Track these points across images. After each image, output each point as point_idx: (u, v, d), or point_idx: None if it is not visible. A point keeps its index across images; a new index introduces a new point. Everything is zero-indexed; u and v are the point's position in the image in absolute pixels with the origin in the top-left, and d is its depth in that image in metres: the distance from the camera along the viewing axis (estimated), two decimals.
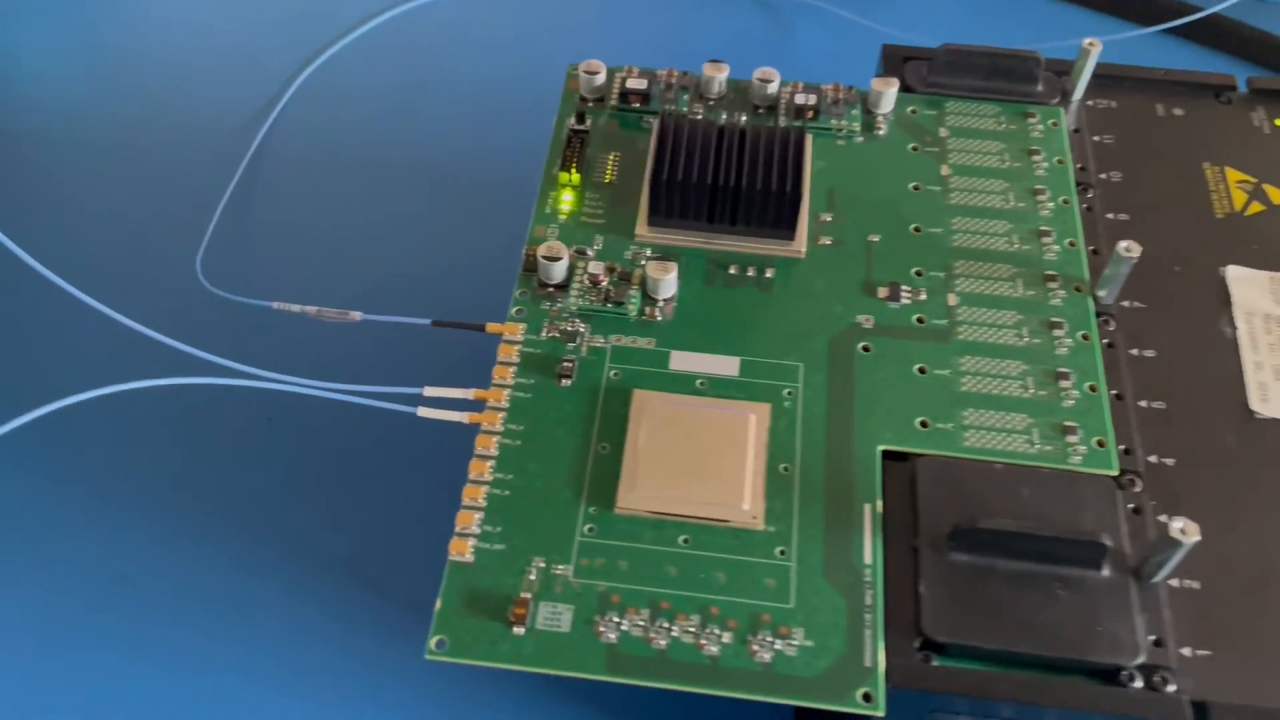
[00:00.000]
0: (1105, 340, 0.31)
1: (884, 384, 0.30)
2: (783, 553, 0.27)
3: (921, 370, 0.30)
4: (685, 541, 0.27)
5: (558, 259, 0.31)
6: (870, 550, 0.27)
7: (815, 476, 0.28)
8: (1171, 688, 0.25)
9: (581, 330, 0.31)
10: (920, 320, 0.31)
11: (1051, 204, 0.33)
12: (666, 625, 0.26)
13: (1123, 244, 0.30)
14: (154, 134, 0.47)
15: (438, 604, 0.26)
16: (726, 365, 0.30)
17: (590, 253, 0.32)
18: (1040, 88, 0.36)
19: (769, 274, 0.32)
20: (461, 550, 0.27)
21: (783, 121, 0.35)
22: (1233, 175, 0.35)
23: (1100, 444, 0.28)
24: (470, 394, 0.29)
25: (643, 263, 0.32)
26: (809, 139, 0.34)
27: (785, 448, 0.28)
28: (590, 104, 0.36)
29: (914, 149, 0.35)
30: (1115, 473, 0.28)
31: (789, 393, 0.29)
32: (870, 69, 0.39)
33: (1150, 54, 0.50)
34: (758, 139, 0.32)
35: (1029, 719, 0.26)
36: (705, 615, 0.26)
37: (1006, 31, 0.51)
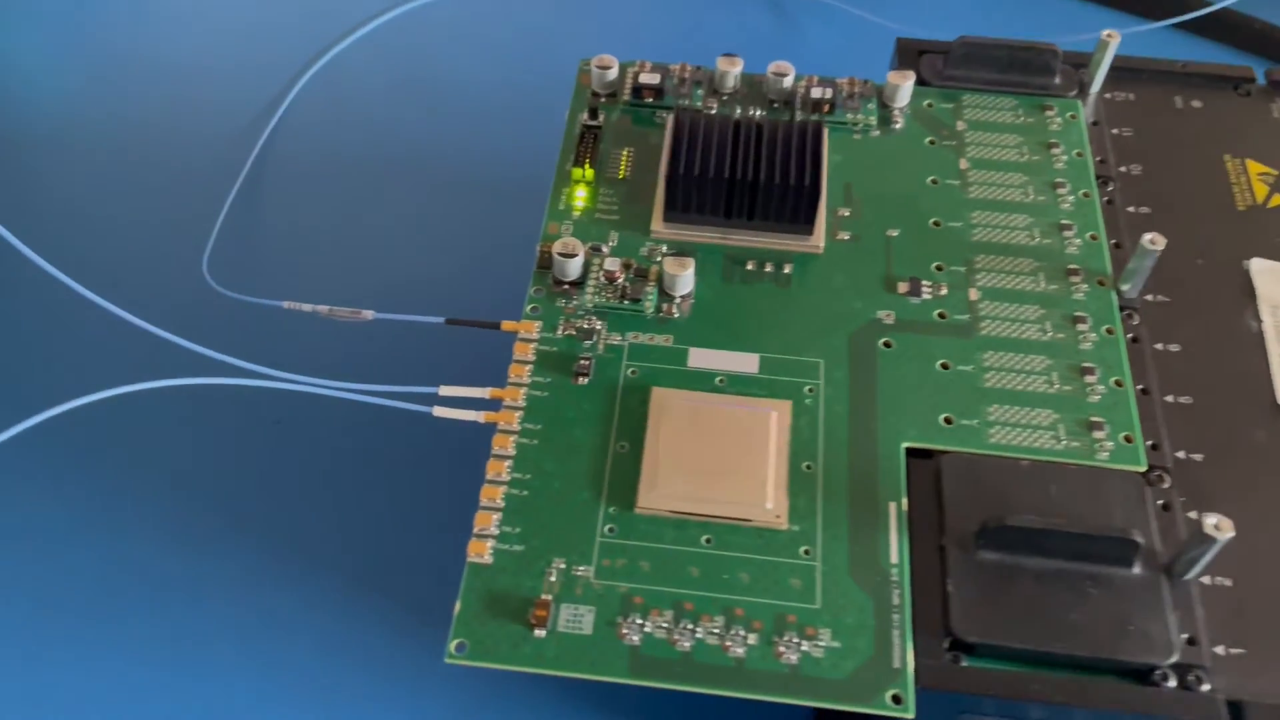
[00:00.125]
0: (1130, 335, 0.30)
1: (907, 380, 0.29)
2: (807, 552, 0.26)
3: (944, 366, 0.29)
4: (708, 541, 0.27)
5: (573, 255, 0.30)
6: (896, 549, 0.26)
7: (839, 474, 0.27)
8: (1206, 687, 0.25)
9: (598, 327, 0.30)
10: (942, 315, 0.30)
11: (1072, 197, 0.33)
12: (690, 626, 0.25)
13: (1147, 236, 0.30)
14: (158, 135, 0.47)
15: (457, 606, 0.25)
16: (746, 362, 0.29)
17: (605, 249, 0.32)
18: (1058, 80, 0.36)
19: (787, 270, 0.31)
20: (480, 551, 0.26)
21: (798, 116, 0.35)
22: (1254, 168, 0.34)
23: (1127, 440, 0.28)
24: (486, 393, 0.29)
25: (659, 259, 0.31)
26: (825, 132, 0.33)
27: (807, 445, 0.28)
28: (603, 99, 0.36)
29: (931, 143, 0.34)
30: (1143, 469, 0.28)
31: (810, 390, 0.29)
32: (879, 65, 0.38)
33: (1159, 49, 0.49)
34: (775, 132, 0.32)
35: (1053, 719, 0.26)
36: (730, 616, 0.25)
37: (1014, 27, 0.50)
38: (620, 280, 0.31)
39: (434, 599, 0.33)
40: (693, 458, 0.27)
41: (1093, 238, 0.32)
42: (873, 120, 0.35)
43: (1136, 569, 0.26)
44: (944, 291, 0.31)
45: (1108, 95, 0.36)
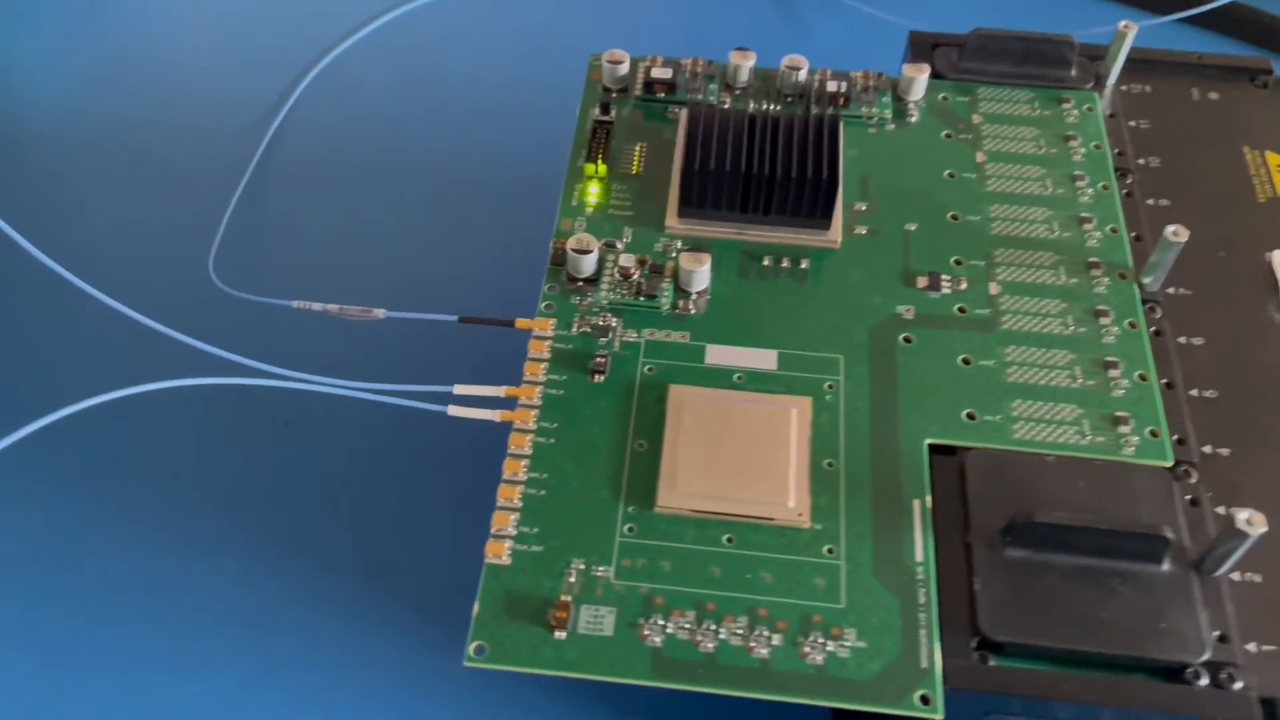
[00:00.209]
0: (1153, 328, 0.30)
1: (928, 376, 0.29)
2: (830, 551, 0.26)
3: (965, 361, 0.29)
4: (729, 541, 0.26)
5: (587, 252, 0.30)
6: (921, 547, 0.26)
7: (861, 472, 0.27)
8: (1238, 684, 0.24)
9: (613, 324, 0.30)
10: (962, 310, 0.30)
11: (1091, 190, 0.32)
12: (713, 627, 0.25)
13: (1170, 228, 0.29)
14: (162, 135, 0.47)
15: (475, 608, 0.25)
16: (764, 359, 0.29)
17: (619, 245, 0.31)
18: (1074, 73, 0.35)
19: (804, 265, 0.31)
20: (498, 552, 0.26)
21: (813, 109, 0.34)
22: (1273, 159, 0.34)
23: (1153, 434, 0.28)
24: (502, 391, 0.28)
25: (674, 255, 0.31)
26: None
27: (829, 442, 0.27)
28: (614, 94, 0.35)
29: (947, 136, 0.34)
30: (1170, 464, 0.27)
31: (830, 386, 0.28)
32: (885, 61, 0.38)
33: (1167, 43, 0.49)
34: (791, 126, 0.31)
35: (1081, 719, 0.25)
36: (753, 616, 0.25)
37: (1018, 23, 0.50)
38: (635, 276, 0.30)
39: (447, 601, 0.32)
40: (712, 456, 0.27)
41: (1113, 231, 0.32)
42: (888, 114, 0.34)
43: (1166, 565, 0.25)
44: (964, 286, 0.30)
45: (1124, 87, 0.36)
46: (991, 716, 0.25)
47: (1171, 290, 0.31)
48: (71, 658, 0.32)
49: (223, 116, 0.47)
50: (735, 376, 0.29)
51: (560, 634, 0.25)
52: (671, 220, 0.32)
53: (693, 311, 0.30)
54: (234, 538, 0.34)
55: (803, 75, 0.35)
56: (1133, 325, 0.30)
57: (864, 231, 0.32)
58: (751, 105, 0.35)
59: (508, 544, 0.26)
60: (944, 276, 0.30)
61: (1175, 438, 0.28)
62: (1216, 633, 0.25)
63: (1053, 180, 0.33)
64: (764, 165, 0.30)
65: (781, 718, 0.28)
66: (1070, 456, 0.27)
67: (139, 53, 0.51)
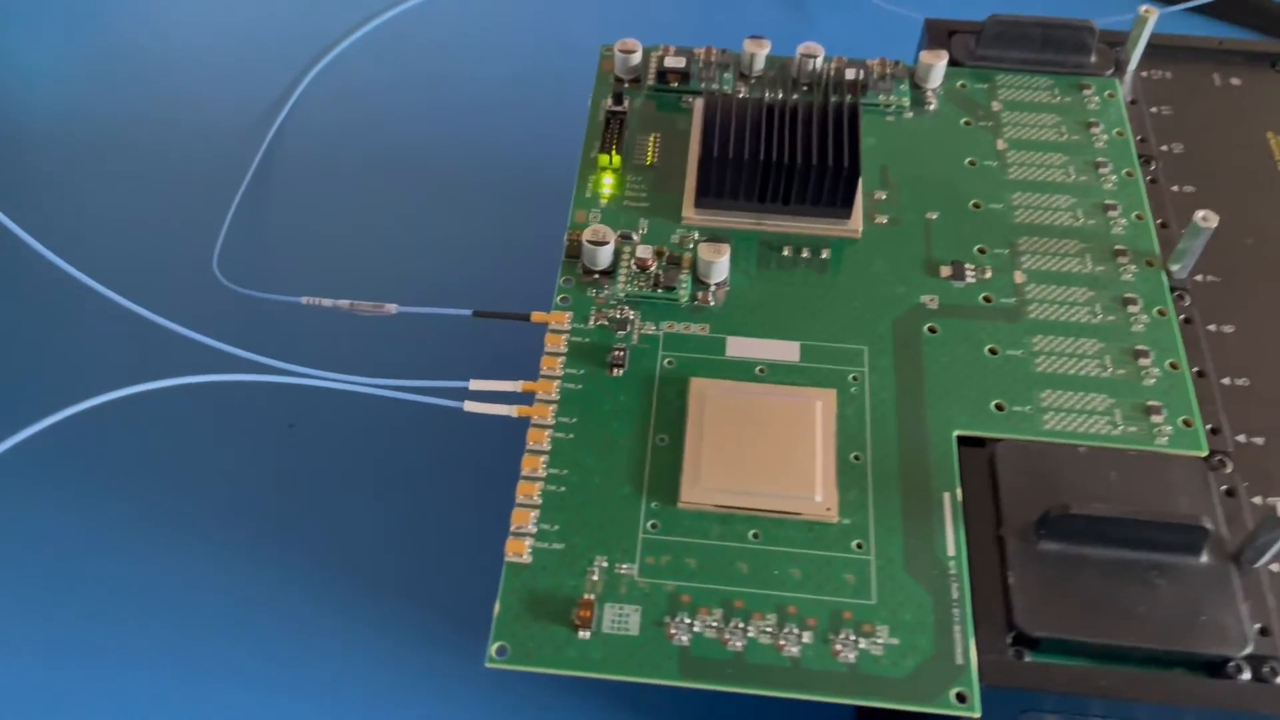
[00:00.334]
0: (1182, 316, 0.29)
1: (954, 366, 0.28)
2: (860, 546, 0.25)
3: (992, 351, 0.28)
4: (755, 536, 0.25)
5: (604, 243, 0.29)
6: (953, 541, 0.25)
7: (889, 465, 0.26)
8: None
9: (631, 317, 0.29)
10: (987, 299, 0.29)
11: (1114, 177, 0.32)
12: (741, 625, 0.24)
13: (1200, 214, 0.29)
14: (165, 133, 0.46)
15: (496, 608, 0.24)
16: (786, 350, 0.28)
17: (636, 237, 0.31)
18: (1093, 59, 0.35)
19: (824, 255, 0.30)
20: (519, 550, 0.25)
21: (830, 98, 0.34)
22: None
23: (1187, 424, 0.27)
24: (518, 386, 0.28)
25: (691, 246, 0.30)
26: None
27: (855, 436, 0.27)
28: (626, 85, 0.35)
29: (966, 124, 0.33)
30: (1204, 454, 0.27)
31: (854, 378, 0.28)
32: (894, 52, 0.37)
33: (1177, 32, 0.48)
34: (810, 113, 0.30)
35: (1118, 716, 0.24)
36: (782, 614, 0.24)
37: (1024, 8, 0.49)
38: (653, 268, 0.30)
39: (466, 601, 0.32)
40: (736, 450, 0.26)
41: (1138, 218, 0.31)
42: (905, 101, 0.34)
43: (1204, 558, 0.25)
44: (988, 275, 0.30)
45: (1144, 74, 0.35)
46: (1028, 714, 0.25)
47: (1200, 277, 0.30)
48: (77, 657, 0.31)
49: (225, 114, 0.46)
50: (757, 369, 0.28)
51: (584, 634, 0.24)
52: (688, 211, 0.31)
53: (712, 303, 0.29)
54: (241, 538, 0.34)
55: (819, 63, 0.34)
56: (1161, 313, 0.29)
57: (885, 221, 0.31)
58: (767, 94, 0.34)
59: (528, 542, 0.25)
60: (968, 265, 0.30)
61: (1209, 427, 0.27)
62: (1258, 626, 0.24)
63: (1075, 167, 0.32)
64: (783, 154, 0.30)
65: (798, 717, 0.27)
66: (1102, 447, 0.27)
67: (141, 51, 0.50)
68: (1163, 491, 0.26)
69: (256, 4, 0.53)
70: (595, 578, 0.25)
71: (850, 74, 0.34)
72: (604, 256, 0.30)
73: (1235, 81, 0.35)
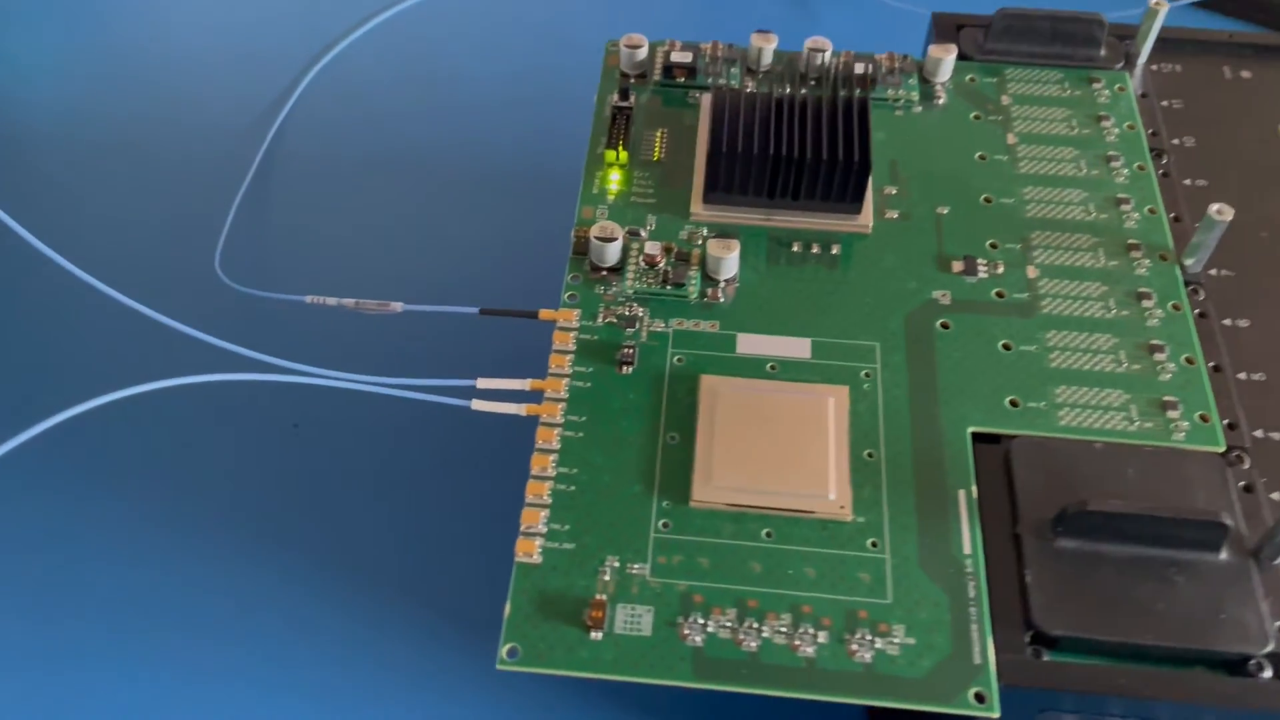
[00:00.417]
0: (1197, 310, 0.29)
1: (968, 362, 0.28)
2: (875, 545, 0.25)
3: (1006, 347, 0.28)
4: (768, 535, 0.25)
5: (612, 239, 0.29)
6: (969, 539, 0.25)
7: (903, 462, 0.26)
8: None
9: (640, 314, 0.29)
10: (1000, 294, 0.29)
11: (1126, 170, 0.32)
12: (756, 625, 0.24)
13: (1214, 207, 0.28)
14: (166, 132, 0.46)
15: (507, 609, 0.24)
16: (797, 347, 0.28)
17: (643, 233, 0.30)
18: (1103, 52, 0.34)
19: (834, 250, 0.30)
20: (529, 550, 0.25)
21: (839, 92, 0.33)
22: None
23: (1203, 419, 0.27)
24: (527, 384, 0.27)
25: (700, 242, 0.30)
26: None
27: (868, 433, 0.26)
28: (632, 80, 0.34)
29: (976, 118, 0.33)
30: (1221, 449, 0.26)
31: (867, 374, 0.28)
32: (898, 47, 0.37)
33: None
34: (819, 108, 0.30)
35: (1137, 715, 0.24)
36: (797, 614, 0.24)
37: (1032, 5, 0.49)
38: (661, 264, 0.29)
39: (467, 603, 0.31)
40: (748, 447, 0.26)
41: (1151, 212, 0.31)
42: (914, 96, 0.34)
43: (1224, 554, 0.24)
44: (1000, 270, 0.29)
45: (1154, 67, 0.35)
46: (1046, 714, 0.24)
47: (1213, 272, 0.30)
48: (78, 657, 0.31)
49: (226, 113, 0.46)
50: (768, 366, 0.28)
51: (596, 634, 0.24)
52: (697, 206, 0.31)
53: (721, 300, 0.29)
54: (245, 538, 0.33)
55: (827, 57, 0.34)
56: (1176, 308, 0.29)
57: (895, 216, 0.31)
58: (775, 89, 0.34)
59: (538, 541, 0.25)
60: (980, 260, 0.30)
61: (1226, 422, 0.27)
62: (1278, 623, 0.24)
63: (1086, 161, 0.32)
64: (792, 148, 0.29)
65: (805, 716, 0.27)
66: (1118, 443, 0.26)
67: (141, 51, 0.50)
68: (1180, 487, 0.25)
69: (256, 4, 0.52)
70: (607, 578, 0.24)
71: (859, 68, 0.33)
72: (612, 253, 0.29)
73: (1245, 74, 0.35)
